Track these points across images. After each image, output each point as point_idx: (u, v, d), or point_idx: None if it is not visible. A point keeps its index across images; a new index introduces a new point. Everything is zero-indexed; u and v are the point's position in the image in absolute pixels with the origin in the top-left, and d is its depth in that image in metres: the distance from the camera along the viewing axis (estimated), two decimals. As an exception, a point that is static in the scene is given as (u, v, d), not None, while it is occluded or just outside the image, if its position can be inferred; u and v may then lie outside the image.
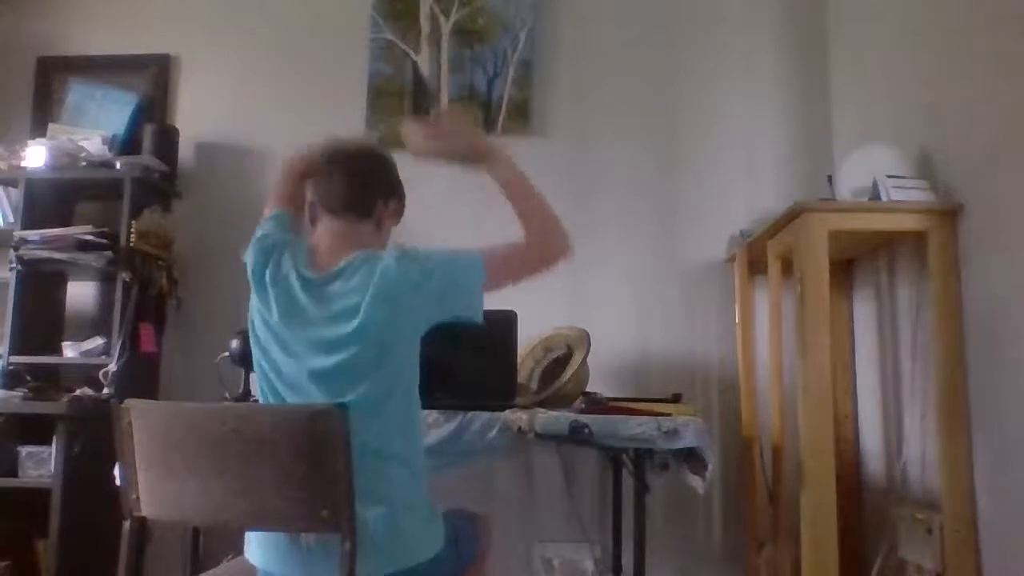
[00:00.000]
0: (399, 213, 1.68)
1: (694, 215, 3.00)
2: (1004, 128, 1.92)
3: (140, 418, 1.38)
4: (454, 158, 1.72)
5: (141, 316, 2.76)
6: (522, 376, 2.60)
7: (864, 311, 2.71)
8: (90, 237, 2.71)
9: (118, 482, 1.42)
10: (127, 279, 2.71)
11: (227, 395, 2.53)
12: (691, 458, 2.09)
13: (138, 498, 1.38)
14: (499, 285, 1.58)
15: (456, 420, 2.04)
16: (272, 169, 3.09)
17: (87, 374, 2.68)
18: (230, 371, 2.56)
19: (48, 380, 2.73)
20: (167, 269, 2.88)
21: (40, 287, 2.85)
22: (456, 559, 1.56)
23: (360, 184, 1.58)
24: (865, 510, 2.65)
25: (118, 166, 2.81)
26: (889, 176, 2.15)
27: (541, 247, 1.69)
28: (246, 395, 2.53)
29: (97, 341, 2.75)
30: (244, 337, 2.51)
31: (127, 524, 1.40)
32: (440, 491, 1.64)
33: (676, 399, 2.46)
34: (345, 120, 3.09)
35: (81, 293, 3.02)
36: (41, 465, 2.53)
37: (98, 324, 2.89)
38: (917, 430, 2.28)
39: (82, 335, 2.85)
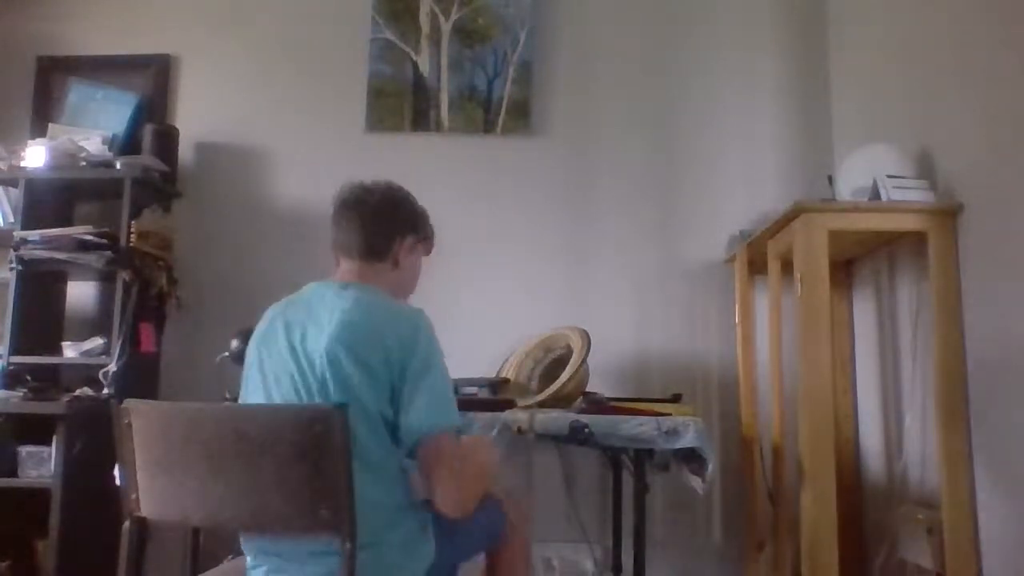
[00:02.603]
0: (423, 247, 1.71)
1: (694, 215, 3.00)
2: (1004, 128, 1.92)
3: (140, 418, 1.38)
4: None
5: (141, 316, 2.76)
6: (522, 376, 2.61)
7: (864, 311, 2.71)
8: (90, 237, 2.70)
9: (118, 482, 1.42)
10: (127, 279, 2.70)
11: (227, 395, 2.53)
12: (691, 458, 2.09)
13: (138, 498, 1.38)
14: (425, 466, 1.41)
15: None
16: (272, 169, 3.10)
17: (87, 374, 2.68)
18: (230, 371, 2.56)
19: (48, 380, 2.72)
20: (167, 269, 2.88)
21: (40, 287, 2.85)
22: (453, 553, 1.54)
23: (373, 229, 1.61)
24: (865, 510, 2.65)
25: (118, 166, 2.80)
26: (889, 176, 2.16)
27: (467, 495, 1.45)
28: (246, 395, 2.53)
29: (97, 341, 2.75)
30: (244, 337, 2.52)
31: (127, 524, 1.39)
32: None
33: (676, 399, 2.46)
34: (345, 120, 3.09)
35: (81, 293, 3.02)
36: (41, 465, 2.53)
37: (98, 324, 2.88)
38: (917, 430, 2.28)
39: (82, 335, 2.85)
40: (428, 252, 1.76)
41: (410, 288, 1.72)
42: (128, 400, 1.40)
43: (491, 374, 2.61)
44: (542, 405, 2.34)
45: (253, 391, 1.51)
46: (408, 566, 1.42)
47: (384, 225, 1.62)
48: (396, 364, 1.41)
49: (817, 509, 2.03)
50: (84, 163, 2.84)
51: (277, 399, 1.46)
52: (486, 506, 1.61)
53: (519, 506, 1.78)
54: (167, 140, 2.99)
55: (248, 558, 1.45)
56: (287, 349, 1.47)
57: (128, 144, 3.01)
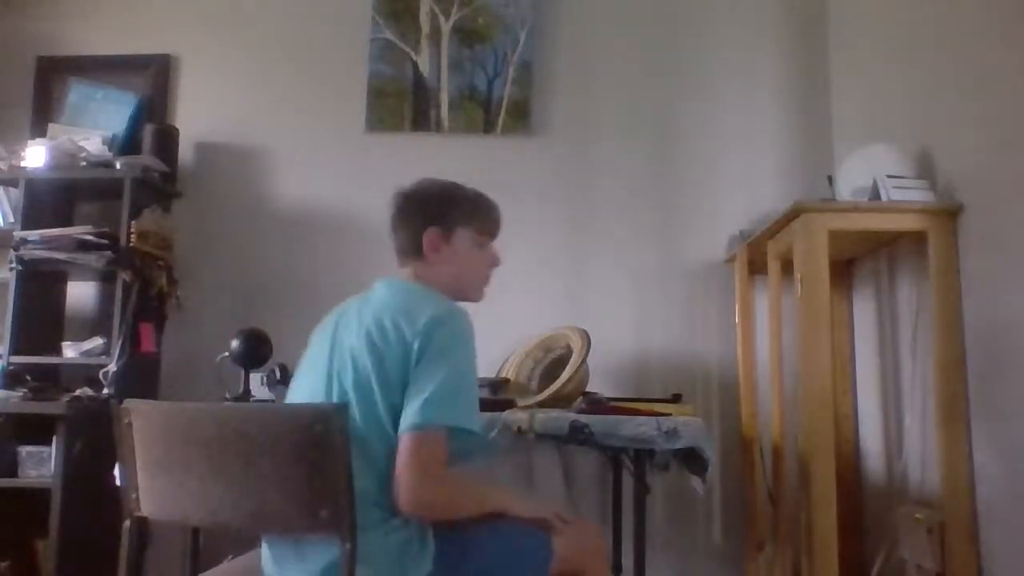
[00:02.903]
0: (469, 234, 1.63)
1: (694, 215, 3.00)
2: (1004, 128, 1.92)
3: (140, 418, 1.38)
4: None
5: (141, 316, 2.76)
6: (522, 376, 2.61)
7: (864, 311, 2.71)
8: (90, 237, 2.70)
9: (118, 482, 1.42)
10: (127, 279, 2.70)
11: (227, 395, 2.53)
12: (691, 458, 2.09)
13: (138, 498, 1.38)
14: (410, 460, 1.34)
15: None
16: (272, 169, 3.10)
17: (87, 374, 2.68)
18: (230, 371, 2.56)
19: (48, 380, 2.72)
20: (167, 269, 2.88)
21: (40, 287, 2.85)
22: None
23: (400, 229, 1.63)
24: (865, 510, 2.65)
25: (118, 166, 2.80)
26: (889, 176, 2.15)
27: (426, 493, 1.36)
28: (246, 395, 2.53)
29: (97, 341, 2.75)
30: (244, 337, 2.52)
31: (127, 524, 1.39)
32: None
33: (676, 399, 2.46)
34: (345, 120, 3.09)
35: (81, 293, 3.02)
36: (41, 465, 2.53)
37: (98, 324, 2.88)
38: (917, 430, 2.28)
39: (82, 335, 2.85)
40: (484, 237, 1.66)
41: (468, 281, 1.66)
42: (128, 400, 1.40)
43: (491, 374, 2.60)
44: (542, 405, 2.34)
45: (297, 379, 1.57)
46: (401, 569, 1.39)
47: (406, 223, 1.63)
48: (412, 357, 1.38)
49: (817, 509, 2.03)
50: (84, 163, 2.84)
51: (306, 390, 1.49)
52: (515, 533, 1.49)
53: (586, 536, 1.59)
54: (167, 140, 2.99)
55: (264, 544, 1.45)
56: (328, 342, 1.50)
57: (128, 144, 3.01)
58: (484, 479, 1.56)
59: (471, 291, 1.67)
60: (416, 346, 1.39)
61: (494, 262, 1.70)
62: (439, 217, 1.62)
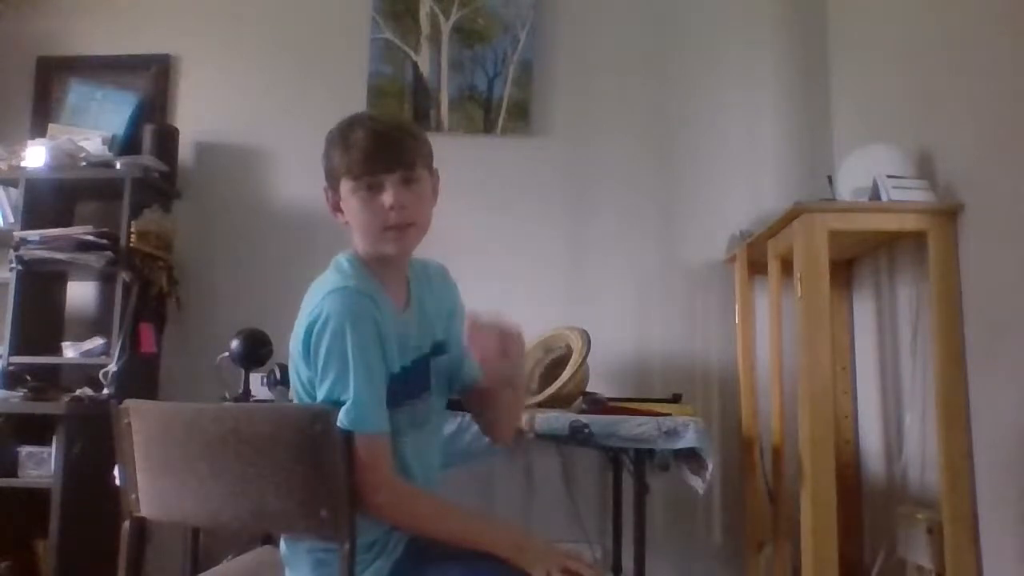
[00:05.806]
0: (343, 188, 1.38)
1: (694, 215, 3.00)
2: (1004, 128, 1.92)
3: (139, 418, 1.38)
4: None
5: (141, 316, 2.76)
6: (522, 376, 2.60)
7: (864, 311, 2.71)
8: (90, 237, 2.70)
9: (118, 482, 1.42)
10: (127, 279, 2.70)
11: (227, 395, 2.53)
12: (691, 458, 2.09)
13: (137, 498, 1.38)
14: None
15: (456, 420, 2.04)
16: (272, 169, 3.10)
17: (87, 374, 2.68)
18: (230, 371, 2.56)
19: (48, 380, 2.72)
20: (167, 269, 2.88)
21: (40, 287, 2.85)
22: None
23: None
24: (865, 510, 2.65)
25: (118, 166, 2.80)
26: (889, 176, 2.15)
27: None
28: (246, 395, 2.53)
29: (97, 341, 2.75)
30: (244, 337, 2.52)
31: (127, 524, 1.39)
32: (441, 492, 1.63)
33: (676, 399, 2.47)
34: (345, 120, 3.08)
35: (81, 293, 3.02)
36: (41, 465, 2.53)
37: (98, 324, 2.88)
38: (917, 430, 2.28)
39: (82, 335, 2.85)
40: (359, 182, 1.33)
41: (366, 237, 1.37)
42: (128, 400, 1.40)
43: (491, 374, 2.60)
44: (542, 405, 2.34)
45: None
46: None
47: None
48: (313, 366, 1.30)
49: (817, 509, 2.03)
50: (84, 163, 2.84)
51: None
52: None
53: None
54: (167, 140, 2.99)
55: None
56: None
57: (128, 144, 3.01)
58: (476, 510, 1.39)
59: (377, 247, 1.37)
60: (307, 355, 1.30)
61: (380, 211, 1.32)
62: (325, 172, 1.41)
